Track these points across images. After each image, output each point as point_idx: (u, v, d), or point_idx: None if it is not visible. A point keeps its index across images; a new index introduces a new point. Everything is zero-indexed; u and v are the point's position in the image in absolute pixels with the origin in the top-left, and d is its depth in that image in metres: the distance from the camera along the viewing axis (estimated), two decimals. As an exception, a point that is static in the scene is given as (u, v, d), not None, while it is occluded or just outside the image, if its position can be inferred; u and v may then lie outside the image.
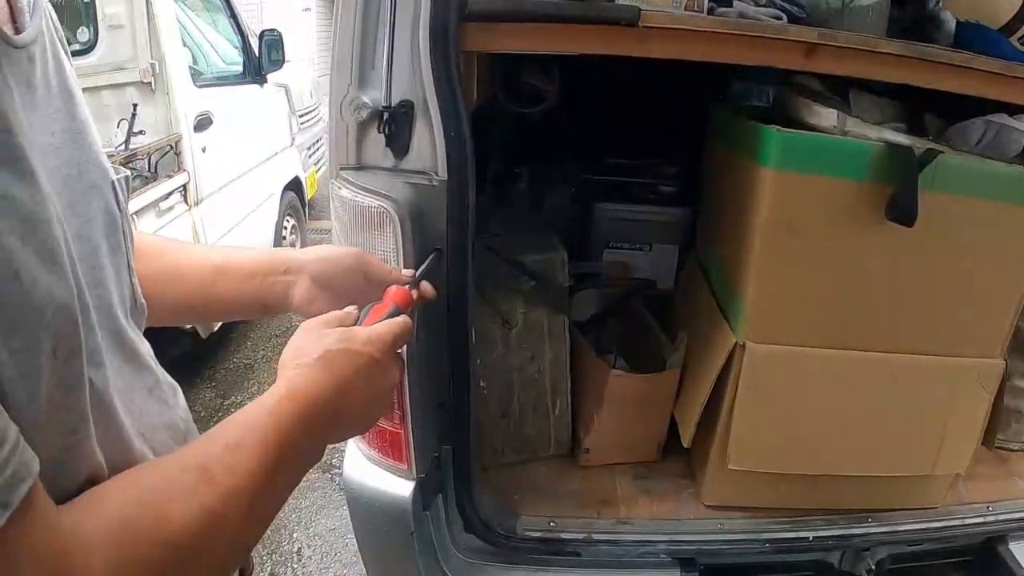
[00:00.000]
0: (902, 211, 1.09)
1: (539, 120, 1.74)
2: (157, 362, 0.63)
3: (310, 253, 0.81)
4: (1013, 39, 1.46)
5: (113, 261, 0.56)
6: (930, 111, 1.39)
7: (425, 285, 0.86)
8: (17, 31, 0.47)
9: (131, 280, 0.59)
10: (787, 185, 1.12)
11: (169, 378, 0.65)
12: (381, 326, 0.68)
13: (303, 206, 4.37)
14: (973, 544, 1.47)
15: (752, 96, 1.75)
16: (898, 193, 1.09)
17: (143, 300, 0.62)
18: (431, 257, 0.96)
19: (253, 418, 0.55)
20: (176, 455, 0.52)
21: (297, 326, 0.70)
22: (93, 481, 0.47)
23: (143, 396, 0.58)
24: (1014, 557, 1.42)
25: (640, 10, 1.01)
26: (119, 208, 0.57)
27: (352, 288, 0.81)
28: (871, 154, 1.11)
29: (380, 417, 0.71)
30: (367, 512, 1.26)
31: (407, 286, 0.81)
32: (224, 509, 0.49)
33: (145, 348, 0.61)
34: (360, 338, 0.65)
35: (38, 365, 0.41)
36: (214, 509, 0.48)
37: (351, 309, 0.72)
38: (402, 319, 0.71)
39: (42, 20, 0.50)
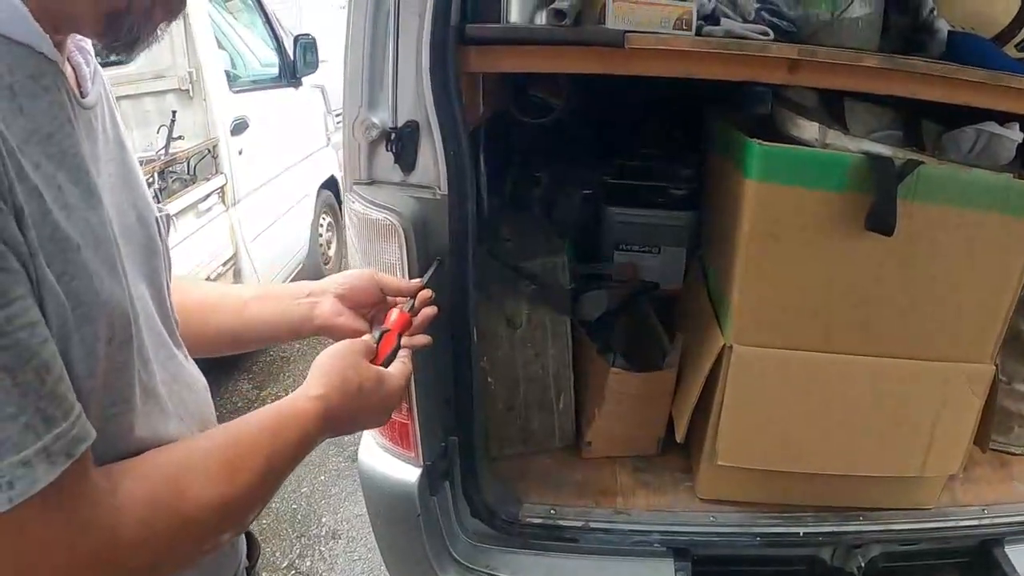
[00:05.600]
0: (880, 221, 1.14)
1: (556, 128, 1.81)
2: (193, 363, 0.75)
3: (329, 278, 0.93)
4: (1009, 45, 1.49)
5: (153, 281, 0.67)
6: (929, 118, 1.42)
7: (428, 308, 0.93)
8: (82, 95, 0.59)
9: (168, 299, 0.71)
10: (769, 196, 1.18)
11: (201, 377, 0.76)
12: (400, 374, 0.80)
13: (339, 204, 4.50)
14: (969, 546, 1.49)
15: (761, 106, 1.79)
16: (876, 203, 1.14)
17: (176, 316, 0.74)
18: (433, 266, 1.04)
19: (284, 428, 0.67)
20: (211, 444, 0.63)
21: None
22: (129, 450, 0.58)
23: (181, 387, 0.69)
24: (1009, 560, 1.43)
25: (624, 33, 1.08)
26: (160, 239, 0.70)
27: (370, 300, 0.92)
28: (851, 165, 1.16)
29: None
30: (379, 495, 1.36)
31: (408, 310, 0.89)
32: (239, 498, 0.61)
33: (181, 352, 0.73)
34: (391, 385, 0.78)
35: (97, 349, 0.53)
36: (229, 497, 0.60)
37: (368, 338, 0.82)
38: (409, 369, 0.83)
39: (101, 85, 0.63)
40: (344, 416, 0.72)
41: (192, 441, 0.64)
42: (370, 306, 0.92)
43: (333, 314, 0.88)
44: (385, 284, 0.92)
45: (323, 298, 0.88)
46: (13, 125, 0.48)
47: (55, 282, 0.49)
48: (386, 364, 0.80)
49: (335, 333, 0.88)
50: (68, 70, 0.59)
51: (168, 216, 0.74)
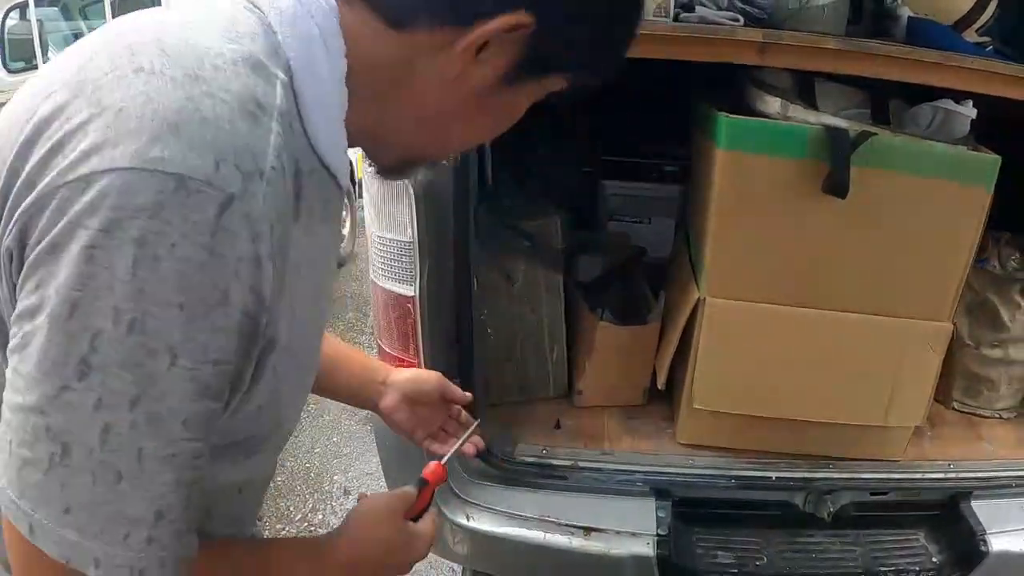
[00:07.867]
0: (835, 185, 1.27)
1: (559, 106, 1.95)
2: None
3: (403, 373, 1.03)
4: (970, 30, 1.62)
5: None
6: (899, 99, 1.55)
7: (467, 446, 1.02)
8: None
9: None
10: (736, 163, 1.32)
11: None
12: (428, 532, 0.83)
13: (353, 185, 4.67)
14: (938, 499, 1.59)
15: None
16: (832, 169, 1.28)
17: None
18: (474, 426, 1.06)
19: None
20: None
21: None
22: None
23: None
24: (974, 513, 1.52)
25: (607, 16, 1.22)
26: None
27: (431, 402, 1.02)
28: (810, 136, 1.30)
29: None
30: (387, 431, 1.51)
31: (442, 461, 0.92)
32: None
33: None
34: (419, 544, 0.82)
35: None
36: None
37: (410, 489, 0.84)
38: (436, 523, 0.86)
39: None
40: (367, 572, 0.79)
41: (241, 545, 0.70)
42: (428, 407, 1.02)
43: (393, 409, 1.00)
44: (447, 391, 1.03)
45: (391, 391, 1.00)
46: (300, 243, 0.53)
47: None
48: (418, 518, 0.85)
49: (390, 425, 1.03)
50: None
51: None
